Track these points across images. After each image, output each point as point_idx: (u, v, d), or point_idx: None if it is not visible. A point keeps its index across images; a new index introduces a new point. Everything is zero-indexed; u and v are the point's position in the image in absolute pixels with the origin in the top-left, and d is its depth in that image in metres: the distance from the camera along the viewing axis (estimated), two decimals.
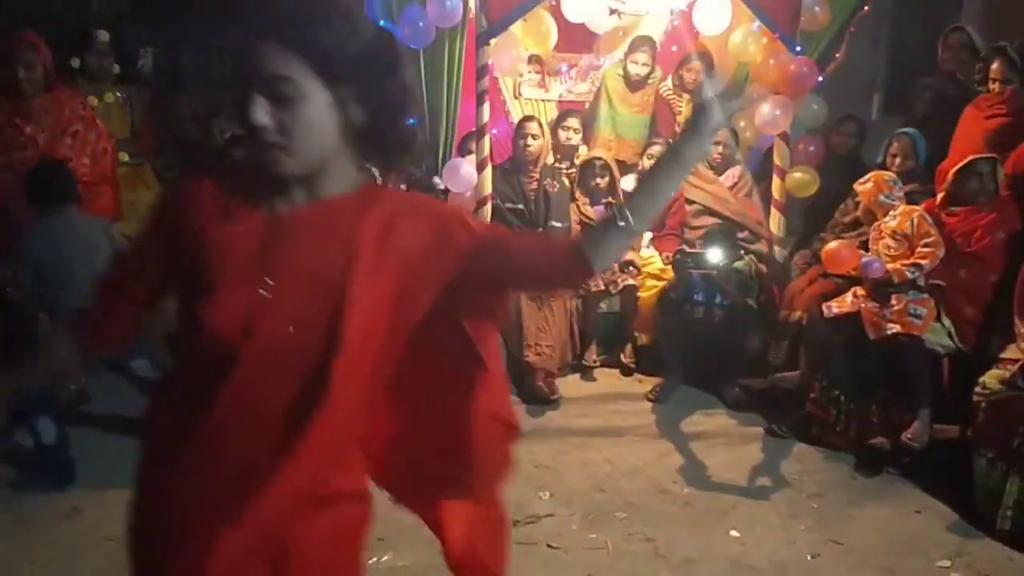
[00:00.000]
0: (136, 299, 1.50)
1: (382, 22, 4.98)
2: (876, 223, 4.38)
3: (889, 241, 4.25)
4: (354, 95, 1.35)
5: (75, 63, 4.88)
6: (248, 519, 1.34)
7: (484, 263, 1.44)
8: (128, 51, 5.32)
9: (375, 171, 1.45)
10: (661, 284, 5.07)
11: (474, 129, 5.05)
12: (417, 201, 1.50)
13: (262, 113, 1.30)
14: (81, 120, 4.45)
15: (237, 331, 1.34)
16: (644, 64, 5.61)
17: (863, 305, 4.19)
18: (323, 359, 1.34)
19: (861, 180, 4.48)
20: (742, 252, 5.16)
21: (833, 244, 4.47)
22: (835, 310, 4.27)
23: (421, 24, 4.89)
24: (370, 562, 3.19)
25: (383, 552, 3.26)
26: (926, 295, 4.17)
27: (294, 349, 1.35)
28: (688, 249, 4.99)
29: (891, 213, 4.27)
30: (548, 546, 3.37)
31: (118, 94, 5.04)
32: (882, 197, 4.32)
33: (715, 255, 4.76)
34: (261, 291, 1.35)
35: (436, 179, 5.07)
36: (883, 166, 4.74)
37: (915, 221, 4.19)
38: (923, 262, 4.12)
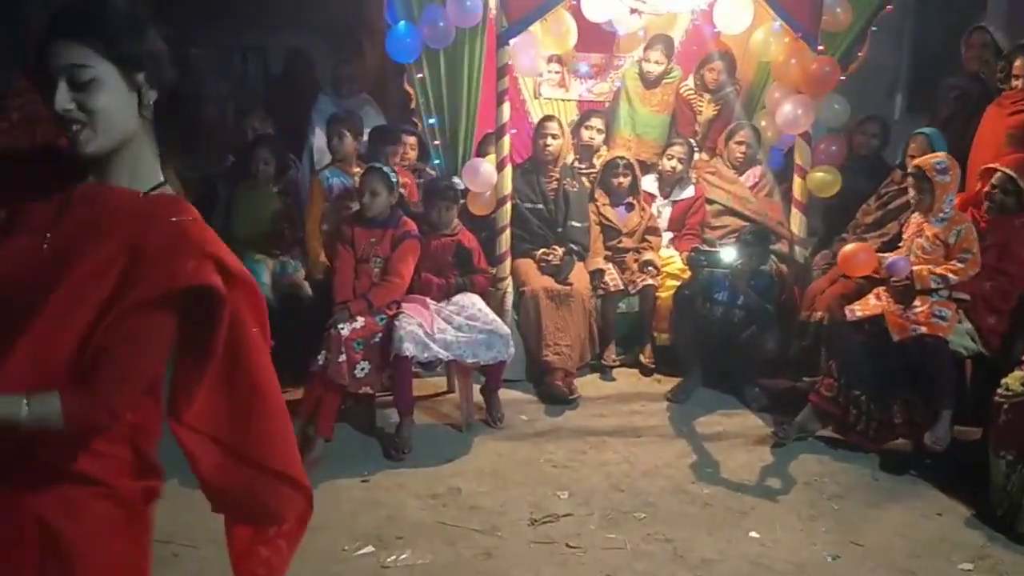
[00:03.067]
0: None
1: (403, 23, 5.01)
2: (916, 215, 4.29)
3: (924, 243, 4.18)
4: (147, 79, 1.52)
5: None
6: None
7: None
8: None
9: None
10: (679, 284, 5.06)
11: (494, 129, 5.05)
12: (188, 226, 1.53)
13: (63, 97, 1.46)
14: None
15: (12, 277, 1.47)
16: (657, 62, 5.59)
17: (886, 307, 4.16)
18: (29, 324, 1.44)
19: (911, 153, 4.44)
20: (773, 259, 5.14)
21: (850, 247, 4.42)
22: (858, 314, 4.23)
23: (441, 24, 4.90)
24: (389, 560, 3.22)
25: (401, 550, 3.28)
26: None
27: (19, 307, 1.45)
28: (705, 248, 4.97)
29: (940, 215, 4.14)
30: (567, 545, 3.37)
31: None
32: (935, 162, 4.13)
33: (730, 254, 4.73)
34: (44, 247, 1.50)
35: (456, 179, 5.08)
36: (903, 166, 4.71)
37: (961, 232, 4.10)
38: (951, 276, 4.06)
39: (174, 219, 1.51)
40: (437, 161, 5.33)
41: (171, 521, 3.11)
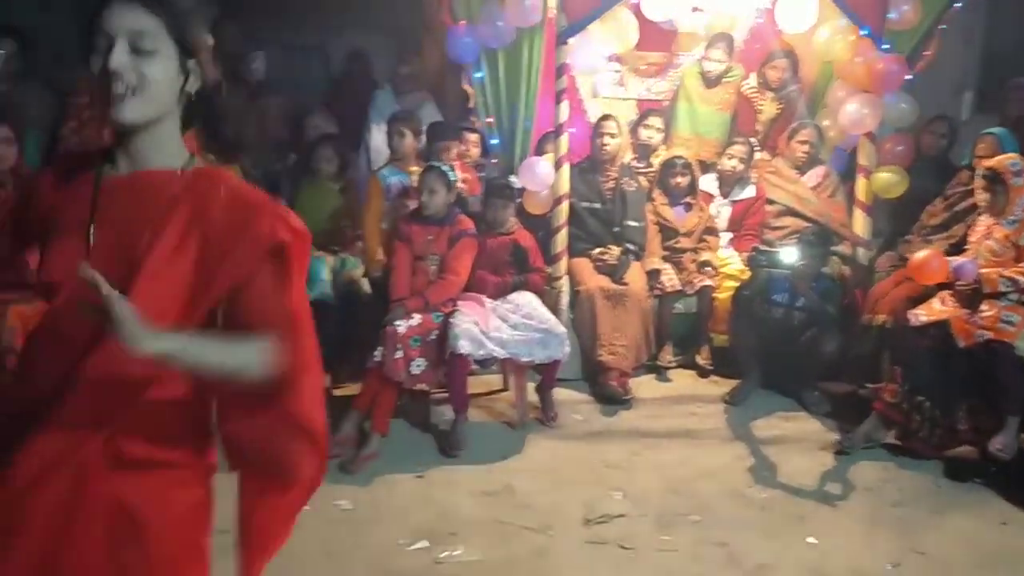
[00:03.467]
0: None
1: (463, 22, 5.03)
2: (984, 216, 4.18)
3: (994, 245, 4.09)
4: (195, 67, 1.55)
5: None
6: (29, 448, 1.49)
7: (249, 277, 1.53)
8: (225, 53, 5.44)
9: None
10: (739, 285, 5.00)
11: (552, 128, 5.05)
12: (242, 189, 1.57)
13: (122, 57, 1.46)
14: None
15: (58, 275, 1.52)
16: (719, 60, 5.56)
17: (952, 311, 4.06)
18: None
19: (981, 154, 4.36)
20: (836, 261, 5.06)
21: (921, 255, 4.32)
22: (922, 319, 4.14)
23: (500, 23, 4.91)
24: (442, 556, 3.23)
25: (455, 546, 3.30)
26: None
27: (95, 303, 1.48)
28: (764, 248, 4.91)
29: (1012, 217, 4.05)
30: (620, 546, 3.35)
31: None
32: (1010, 163, 4.06)
33: (791, 255, 4.66)
34: (90, 244, 1.52)
35: (512, 178, 5.09)
36: (970, 167, 4.60)
37: None
38: (1022, 279, 3.96)
39: (223, 189, 1.54)
40: (495, 160, 5.35)
41: (229, 511, 3.16)
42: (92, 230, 1.53)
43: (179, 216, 1.51)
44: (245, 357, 1.50)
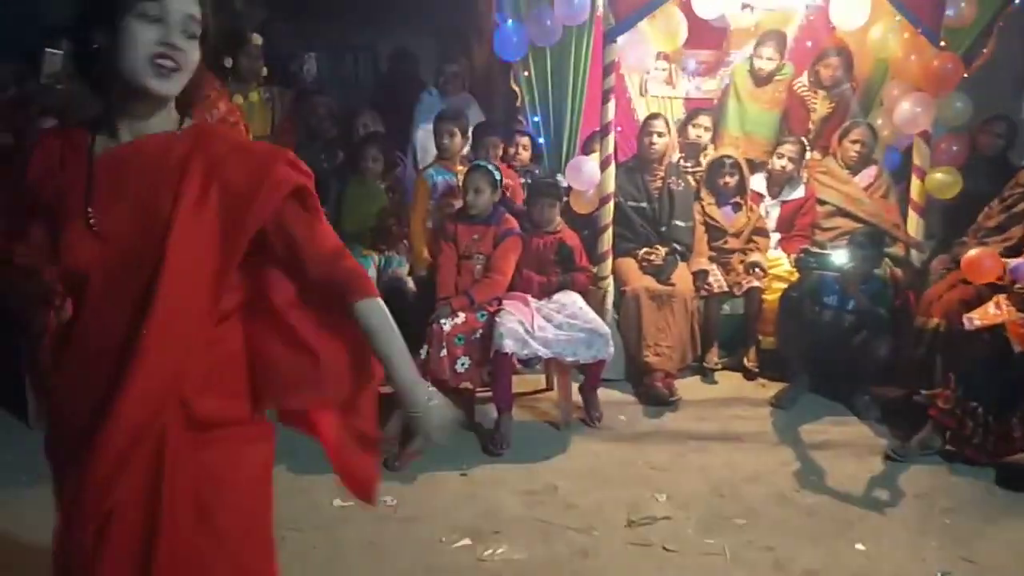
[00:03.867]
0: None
1: (510, 21, 5.04)
2: None
3: None
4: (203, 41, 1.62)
5: (227, 63, 5.08)
6: (114, 426, 1.53)
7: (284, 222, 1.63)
8: (276, 53, 5.52)
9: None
10: (787, 286, 4.94)
11: (599, 127, 5.03)
12: (245, 141, 1.70)
13: (180, 39, 1.55)
14: (226, 119, 4.65)
15: (83, 263, 1.56)
16: (770, 59, 5.49)
17: (1008, 315, 3.97)
18: (152, 284, 1.52)
19: None
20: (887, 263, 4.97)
21: (975, 252, 4.23)
22: (976, 323, 4.04)
23: (548, 22, 4.91)
24: (485, 554, 3.24)
25: (498, 545, 3.30)
26: None
27: (129, 275, 1.54)
28: (814, 249, 4.84)
29: None
30: (664, 548, 3.33)
31: (263, 94, 5.25)
32: None
33: (841, 256, 4.59)
34: (93, 226, 1.56)
35: (559, 176, 5.08)
36: None
37: None
38: None
39: (228, 140, 1.63)
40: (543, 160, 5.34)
41: (277, 505, 3.19)
42: (91, 196, 1.57)
43: (194, 170, 1.57)
44: (394, 328, 1.75)
